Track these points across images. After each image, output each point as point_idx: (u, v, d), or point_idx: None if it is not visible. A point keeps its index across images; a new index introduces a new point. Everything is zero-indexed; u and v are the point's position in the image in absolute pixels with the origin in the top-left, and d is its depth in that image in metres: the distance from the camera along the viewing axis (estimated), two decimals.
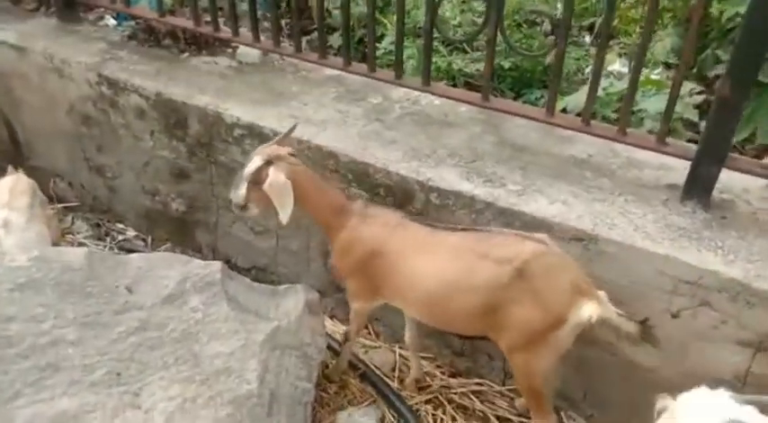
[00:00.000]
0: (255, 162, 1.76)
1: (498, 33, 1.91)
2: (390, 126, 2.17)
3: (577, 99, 2.60)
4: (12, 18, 3.05)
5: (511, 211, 1.73)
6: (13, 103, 2.97)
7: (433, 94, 2.17)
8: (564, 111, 2.64)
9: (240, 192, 1.79)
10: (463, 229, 1.68)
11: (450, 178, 1.88)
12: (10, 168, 3.28)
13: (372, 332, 2.31)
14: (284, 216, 1.72)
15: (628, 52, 3.11)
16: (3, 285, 1.49)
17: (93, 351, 1.51)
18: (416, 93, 2.30)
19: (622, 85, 2.68)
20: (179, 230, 2.70)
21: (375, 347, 2.23)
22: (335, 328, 2.26)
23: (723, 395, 1.20)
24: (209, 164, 2.42)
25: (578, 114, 2.07)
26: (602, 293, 1.53)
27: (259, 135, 2.20)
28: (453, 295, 1.61)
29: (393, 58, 3.04)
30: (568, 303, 1.50)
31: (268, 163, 1.75)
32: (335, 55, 2.45)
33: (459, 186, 1.84)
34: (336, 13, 3.56)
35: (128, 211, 2.83)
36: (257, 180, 1.75)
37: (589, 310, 1.49)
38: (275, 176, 1.71)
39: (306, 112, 2.26)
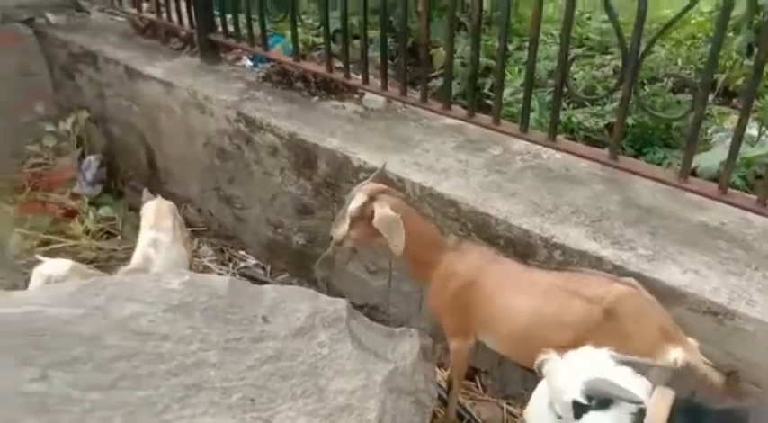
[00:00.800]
0: (359, 199, 1.85)
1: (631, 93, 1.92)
2: (511, 178, 2.21)
3: (709, 161, 2.53)
4: (160, 56, 3.38)
5: (641, 276, 1.70)
6: (156, 133, 3.27)
7: (558, 149, 2.19)
8: (693, 172, 2.57)
9: (341, 229, 1.90)
10: (556, 269, 1.73)
11: (575, 236, 1.88)
12: (145, 191, 3.59)
13: (480, 386, 2.31)
14: (398, 248, 1.81)
15: (759, 116, 2.99)
16: (159, 306, 1.63)
17: (232, 375, 1.61)
18: (537, 146, 2.33)
19: (755, 150, 2.59)
20: (297, 262, 2.84)
21: (483, 401, 2.23)
22: (443, 376, 2.28)
23: (603, 354, 1.22)
24: (332, 202, 2.55)
25: (712, 179, 2.02)
26: (692, 341, 1.52)
27: (383, 179, 2.30)
28: (543, 332, 1.64)
29: (512, 108, 3.10)
30: (655, 346, 1.50)
31: (372, 199, 1.85)
32: (453, 102, 2.51)
33: (585, 246, 1.84)
34: (456, 61, 3.67)
35: (251, 240, 3.02)
36: (361, 216, 1.85)
37: (675, 355, 1.47)
38: (383, 211, 1.81)
39: (428, 159, 2.35)
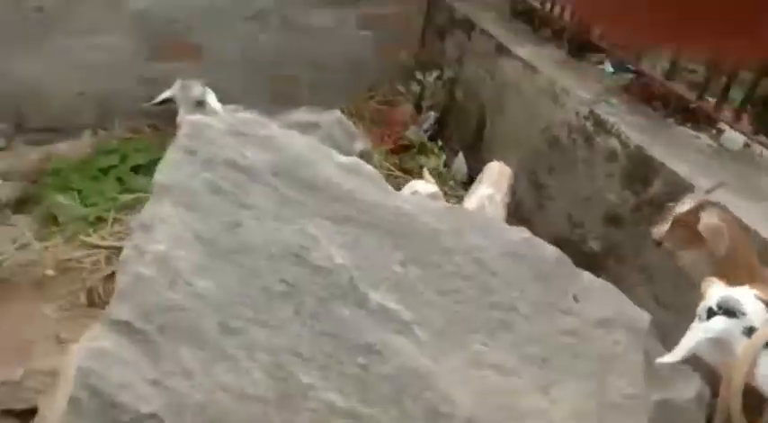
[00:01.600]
0: (688, 203, 1.94)
1: None
2: None
3: None
4: (529, 40, 3.63)
5: None
6: (498, 108, 3.56)
7: None
8: None
9: (661, 229, 1.99)
10: None
11: None
12: (460, 155, 3.95)
13: None
14: (718, 254, 1.86)
15: None
16: (498, 248, 1.87)
17: (535, 331, 1.79)
18: None
19: None
20: (584, 266, 2.90)
21: None
22: None
23: (750, 292, 1.56)
24: (648, 223, 2.54)
25: None
26: None
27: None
28: None
29: None
30: None
31: (701, 207, 1.90)
32: None
33: None
34: None
35: (543, 229, 3.15)
36: (686, 222, 1.91)
37: None
38: (711, 218, 1.86)
39: None
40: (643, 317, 1.93)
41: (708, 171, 2.45)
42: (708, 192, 2.06)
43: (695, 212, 1.91)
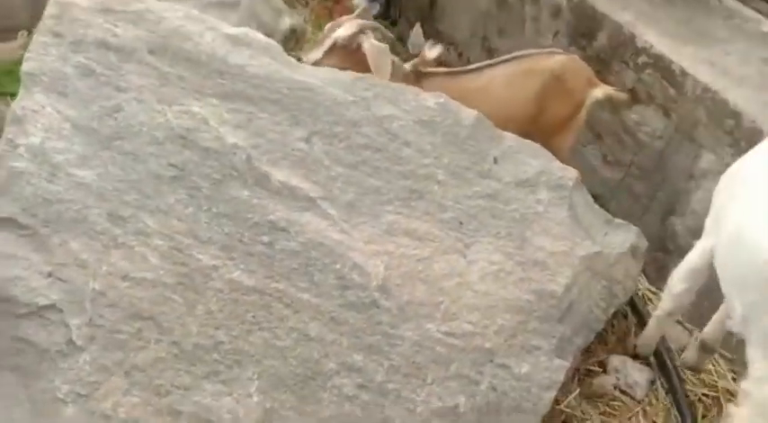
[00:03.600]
0: (349, 28, 1.97)
1: None
2: None
3: None
4: None
5: None
6: None
7: None
8: None
9: (314, 55, 1.97)
10: None
11: None
12: (417, 26, 3.73)
13: None
14: (383, 77, 1.91)
15: None
16: (412, 116, 1.78)
17: (450, 196, 1.75)
18: None
19: None
20: None
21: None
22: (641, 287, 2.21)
23: None
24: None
25: None
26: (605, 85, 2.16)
27: (663, 69, 2.11)
28: None
29: None
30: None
31: (361, 31, 1.96)
32: None
33: None
34: None
35: None
36: (346, 46, 1.96)
37: (597, 93, 2.13)
38: (373, 41, 1.95)
39: (726, 62, 2.08)
40: (569, 173, 1.87)
41: (653, 18, 2.30)
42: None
43: (356, 37, 1.95)
